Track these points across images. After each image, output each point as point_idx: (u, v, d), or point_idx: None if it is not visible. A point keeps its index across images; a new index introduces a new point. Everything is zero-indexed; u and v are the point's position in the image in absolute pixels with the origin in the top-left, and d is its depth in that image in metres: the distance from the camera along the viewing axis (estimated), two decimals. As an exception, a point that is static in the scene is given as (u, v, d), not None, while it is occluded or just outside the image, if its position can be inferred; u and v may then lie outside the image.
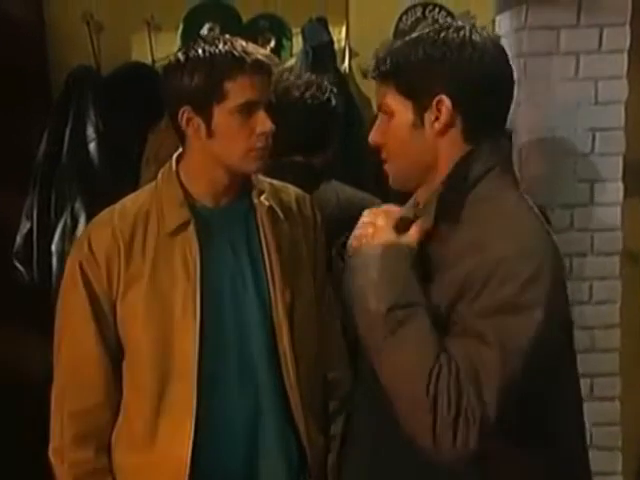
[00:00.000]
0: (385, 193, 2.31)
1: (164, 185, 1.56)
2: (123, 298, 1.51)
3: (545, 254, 1.16)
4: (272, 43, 2.64)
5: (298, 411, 1.54)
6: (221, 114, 1.45)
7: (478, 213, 1.20)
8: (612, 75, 2.37)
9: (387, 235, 1.23)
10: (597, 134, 2.43)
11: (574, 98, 2.38)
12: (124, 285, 1.51)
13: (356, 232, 1.29)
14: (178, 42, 2.63)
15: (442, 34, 1.22)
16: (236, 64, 1.43)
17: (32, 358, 2.41)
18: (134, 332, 1.51)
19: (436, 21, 2.80)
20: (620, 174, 2.44)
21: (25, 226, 2.52)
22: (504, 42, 2.44)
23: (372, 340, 1.17)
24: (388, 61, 1.24)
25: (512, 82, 1.27)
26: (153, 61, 2.66)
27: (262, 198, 1.58)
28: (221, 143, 1.48)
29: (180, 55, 1.48)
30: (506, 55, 1.27)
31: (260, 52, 1.47)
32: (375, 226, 1.25)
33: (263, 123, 1.46)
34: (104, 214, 1.59)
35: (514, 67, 1.30)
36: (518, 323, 1.12)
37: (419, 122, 1.23)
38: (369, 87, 2.77)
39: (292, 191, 1.69)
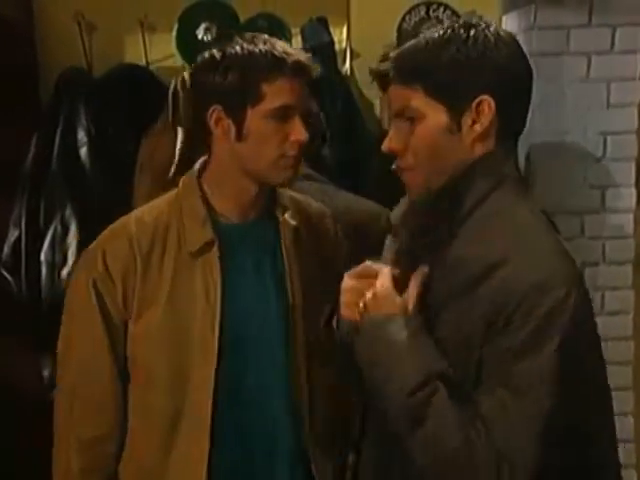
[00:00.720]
0: (387, 199, 2.30)
1: (185, 197, 1.50)
2: (138, 318, 1.45)
3: (567, 277, 1.12)
4: (270, 44, 2.63)
5: (310, 440, 1.51)
6: (254, 117, 1.41)
7: (491, 232, 1.16)
8: (625, 76, 2.36)
9: (392, 302, 1.18)
10: (609, 138, 2.42)
11: (585, 100, 2.37)
12: (139, 303, 1.45)
13: (345, 299, 1.25)
14: (173, 43, 2.62)
15: (471, 32, 1.17)
16: (275, 65, 1.39)
17: (18, 373, 2.40)
18: (148, 355, 1.46)
19: (441, 21, 2.80)
20: (633, 180, 2.42)
21: (13, 234, 2.50)
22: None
23: (397, 425, 1.14)
24: (414, 62, 1.18)
25: (532, 83, 1.25)
26: (147, 62, 2.65)
27: (287, 216, 1.54)
28: (251, 147, 1.43)
29: (215, 51, 1.44)
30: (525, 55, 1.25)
31: (302, 55, 1.43)
32: (376, 294, 1.19)
33: (298, 131, 1.42)
34: (119, 223, 1.52)
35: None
36: (549, 358, 1.08)
37: (455, 126, 1.18)
38: (371, 89, 2.76)
39: (313, 205, 1.66)
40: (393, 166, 1.25)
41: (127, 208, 2.48)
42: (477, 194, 1.18)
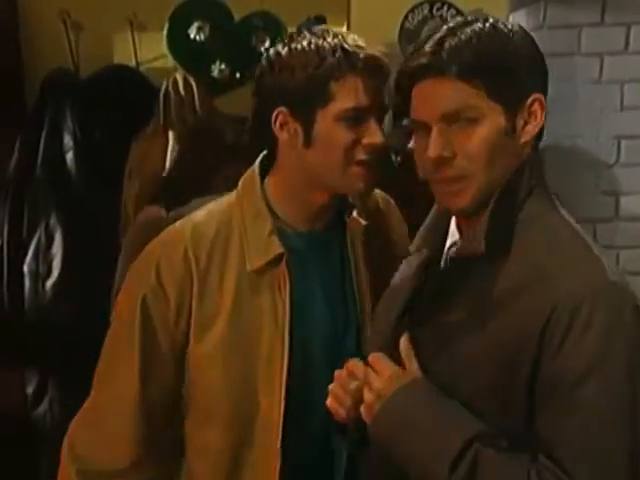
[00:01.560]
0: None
1: (247, 202, 1.40)
2: (196, 342, 1.36)
3: (619, 285, 1.08)
4: (266, 43, 2.62)
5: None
6: (324, 120, 1.32)
7: (527, 241, 1.12)
8: (639, 78, 2.34)
9: (393, 385, 1.13)
10: (622, 142, 2.40)
11: (597, 103, 2.35)
12: (197, 326, 1.36)
13: (334, 390, 1.22)
14: (164, 42, 2.60)
15: (503, 26, 1.13)
16: (346, 61, 1.30)
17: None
18: (207, 384, 1.37)
19: (445, 20, 2.79)
20: (648, 186, 2.43)
21: (-6, 243, 2.49)
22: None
23: None
24: (476, 55, 1.11)
25: None
26: (137, 63, 2.64)
27: (354, 215, 1.45)
28: (319, 154, 1.34)
29: (280, 47, 1.36)
30: None
31: (377, 49, 1.35)
32: (372, 390, 1.15)
33: (373, 133, 1.32)
34: (172, 232, 1.42)
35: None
36: (621, 373, 1.04)
37: (510, 128, 1.14)
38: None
39: (380, 196, 1.57)
40: (426, 174, 1.17)
41: (115, 216, 2.52)
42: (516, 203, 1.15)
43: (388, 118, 2.82)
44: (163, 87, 2.44)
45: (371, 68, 1.31)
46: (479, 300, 1.11)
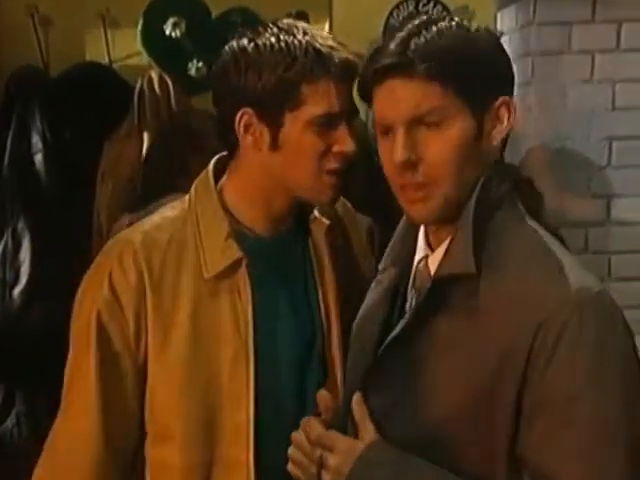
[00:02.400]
0: (373, 211, 2.27)
1: (201, 206, 1.37)
2: (154, 359, 1.33)
3: (602, 291, 1.07)
4: (245, 41, 2.62)
5: None
6: (294, 124, 1.29)
7: (501, 255, 1.08)
8: (632, 77, 2.36)
9: (349, 459, 1.10)
10: (614, 143, 2.42)
11: (588, 103, 2.37)
12: (154, 341, 1.32)
13: (293, 455, 1.18)
14: (138, 39, 2.59)
15: (465, 22, 1.12)
16: (320, 64, 1.27)
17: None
18: (166, 403, 1.33)
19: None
20: (640, 189, 2.44)
21: (-42, 250, 2.47)
22: (507, 40, 2.44)
23: None
24: (439, 55, 1.07)
25: None
26: (110, 60, 2.62)
27: (317, 215, 1.43)
28: (287, 159, 1.31)
29: (246, 42, 1.31)
30: None
31: (348, 50, 1.31)
32: (329, 468, 1.12)
33: (344, 140, 1.30)
34: (123, 240, 1.38)
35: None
36: (605, 396, 1.02)
37: (478, 132, 1.10)
38: (355, 91, 2.75)
39: (340, 203, 1.53)
40: (395, 182, 1.14)
41: (87, 221, 2.50)
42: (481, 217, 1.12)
43: (372, 118, 2.84)
44: (137, 86, 2.43)
45: (344, 72, 1.29)
46: (457, 320, 1.08)
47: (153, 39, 2.56)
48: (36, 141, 2.48)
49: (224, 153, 1.42)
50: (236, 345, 1.33)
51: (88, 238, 2.39)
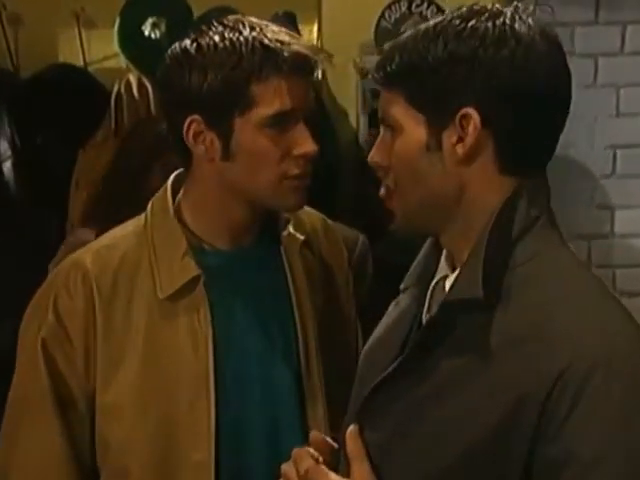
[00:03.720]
0: (364, 223, 2.27)
1: (158, 223, 1.34)
2: (102, 389, 1.29)
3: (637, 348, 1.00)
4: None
5: None
6: (245, 128, 1.25)
7: (526, 284, 1.03)
8: (637, 81, 2.38)
9: None
10: (619, 152, 2.43)
11: (592, 109, 2.38)
12: (103, 370, 1.29)
13: None
14: (115, 40, 2.58)
15: (471, 22, 1.04)
16: (269, 61, 1.23)
17: None
18: (117, 438, 1.30)
19: (425, 18, 2.81)
20: (646, 199, 2.46)
21: None
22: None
23: None
24: (396, 60, 1.08)
25: (568, 93, 1.10)
26: (85, 63, 2.62)
27: (291, 230, 1.40)
28: (243, 168, 1.27)
29: (188, 43, 1.27)
30: (562, 54, 1.11)
31: (301, 42, 1.27)
32: None
33: (303, 141, 1.26)
34: (72, 260, 1.35)
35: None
36: (630, 468, 0.95)
37: (434, 143, 1.07)
38: (345, 95, 2.76)
39: (316, 217, 1.50)
40: (382, 191, 1.13)
41: (60, 233, 2.49)
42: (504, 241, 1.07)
43: (363, 123, 2.85)
44: (114, 89, 2.43)
45: (297, 67, 1.25)
46: (465, 356, 1.04)
47: (131, 40, 2.55)
48: (4, 148, 2.48)
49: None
50: (195, 371, 1.29)
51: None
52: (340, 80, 2.74)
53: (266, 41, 1.24)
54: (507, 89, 1.04)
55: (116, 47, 2.59)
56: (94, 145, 2.44)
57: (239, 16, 1.31)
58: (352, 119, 2.77)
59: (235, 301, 1.35)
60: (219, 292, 1.32)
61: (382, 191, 1.13)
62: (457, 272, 1.09)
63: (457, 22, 1.05)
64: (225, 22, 1.28)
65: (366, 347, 1.26)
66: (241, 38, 1.24)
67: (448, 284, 1.12)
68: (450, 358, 1.05)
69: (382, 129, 1.13)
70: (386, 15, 2.76)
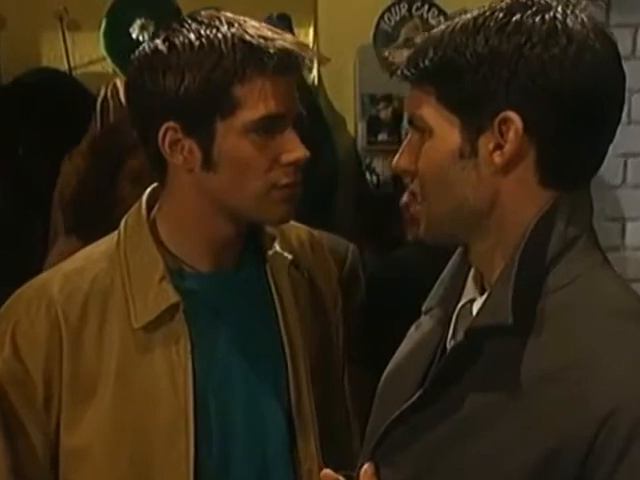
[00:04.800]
0: (362, 234, 2.25)
1: (132, 243, 1.28)
2: (70, 428, 1.23)
3: None
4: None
5: None
6: (228, 134, 1.19)
7: (565, 309, 0.98)
8: (649, 87, 2.38)
9: None
10: (629, 161, 2.43)
11: (601, 116, 2.39)
12: (69, 409, 1.23)
13: None
14: (101, 43, 2.58)
15: (516, 16, 0.99)
16: (252, 59, 1.17)
17: None
18: None
19: (425, 21, 2.82)
20: (659, 211, 2.46)
21: None
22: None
23: None
24: (430, 54, 1.02)
25: (622, 98, 1.05)
26: (70, 67, 2.63)
27: (278, 248, 1.34)
28: (226, 179, 1.21)
29: (160, 42, 1.20)
30: (618, 56, 1.05)
31: (286, 38, 1.20)
32: None
33: (292, 147, 1.20)
34: (36, 285, 1.29)
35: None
36: None
37: (469, 149, 1.01)
38: (342, 101, 2.76)
39: (303, 232, 1.44)
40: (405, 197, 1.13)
41: (42, 249, 2.47)
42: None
43: (361, 130, 2.85)
44: (101, 95, 2.43)
45: (283, 64, 1.18)
46: (496, 386, 0.99)
47: (118, 43, 2.56)
48: (-16, 155, 2.48)
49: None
50: (173, 409, 1.23)
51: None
52: (337, 85, 2.74)
53: (248, 37, 1.17)
54: (555, 92, 0.98)
55: (102, 50, 2.60)
56: (79, 154, 2.43)
57: (213, 11, 1.23)
58: (350, 126, 2.77)
59: (218, 330, 1.29)
60: (200, 320, 1.26)
61: (405, 197, 1.10)
62: (486, 295, 1.04)
63: (500, 15, 1.00)
64: (199, 18, 1.20)
65: (385, 374, 1.20)
66: (219, 35, 1.17)
67: (476, 308, 1.07)
68: (477, 391, 1.00)
69: (410, 131, 1.08)
70: (385, 17, 2.77)
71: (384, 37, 2.76)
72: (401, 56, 1.06)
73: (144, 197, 1.32)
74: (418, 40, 1.04)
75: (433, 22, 2.79)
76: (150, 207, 1.31)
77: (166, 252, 1.28)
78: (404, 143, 1.08)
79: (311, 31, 2.76)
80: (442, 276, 1.17)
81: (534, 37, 0.97)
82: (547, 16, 0.98)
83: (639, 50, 2.37)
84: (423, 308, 1.18)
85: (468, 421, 1.00)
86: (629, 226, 2.46)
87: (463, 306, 1.10)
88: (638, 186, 2.44)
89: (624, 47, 2.35)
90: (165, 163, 1.24)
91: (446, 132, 1.02)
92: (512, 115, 0.98)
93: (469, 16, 1.01)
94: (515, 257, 1.00)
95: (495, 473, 0.97)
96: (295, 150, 1.21)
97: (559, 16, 0.98)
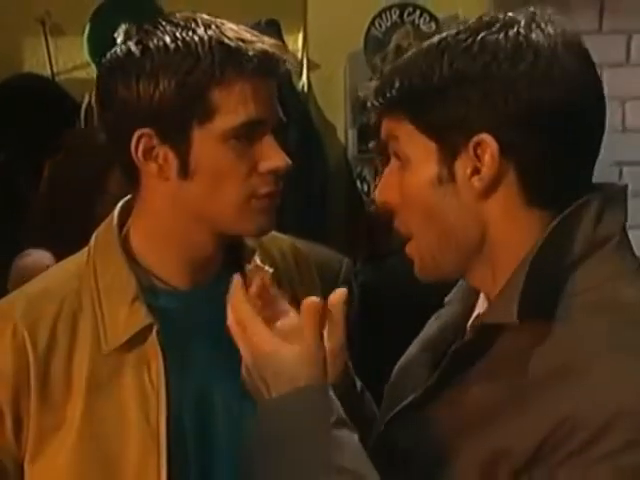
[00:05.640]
0: (355, 246, 2.26)
1: (102, 260, 1.25)
2: (35, 457, 1.20)
3: None
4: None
5: None
6: (206, 141, 1.17)
7: (581, 313, 0.97)
8: (644, 94, 2.40)
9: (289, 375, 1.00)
10: (625, 169, 2.44)
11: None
12: (37, 434, 1.19)
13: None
14: (85, 48, 2.58)
15: (480, 35, 0.99)
16: (230, 62, 1.15)
17: None
18: None
19: (417, 27, 2.84)
20: (655, 220, 2.46)
21: None
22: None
23: None
24: (397, 85, 1.02)
25: (601, 108, 1.03)
26: (52, 72, 2.62)
27: (258, 261, 1.27)
28: (204, 187, 1.19)
29: (132, 45, 1.18)
30: (591, 64, 1.04)
31: (265, 40, 1.18)
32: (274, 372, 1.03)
33: (272, 155, 1.19)
34: (2, 307, 1.26)
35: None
36: None
37: (446, 174, 1.01)
38: (333, 109, 2.77)
39: (286, 244, 1.41)
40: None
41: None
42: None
43: (352, 138, 2.86)
44: (85, 101, 2.43)
45: (263, 68, 1.16)
46: (501, 384, 1.00)
47: (102, 48, 2.53)
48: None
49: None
50: (144, 440, 1.20)
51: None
52: (327, 92, 2.75)
53: (226, 40, 1.15)
54: (527, 110, 0.98)
55: (86, 56, 2.60)
56: (60, 161, 2.43)
57: (189, 13, 1.20)
58: (340, 133, 2.77)
59: (195, 352, 1.25)
60: (176, 342, 1.22)
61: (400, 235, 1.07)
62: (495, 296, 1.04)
63: (464, 36, 0.99)
64: (174, 20, 1.18)
65: (399, 364, 1.20)
66: (196, 37, 1.15)
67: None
68: (480, 388, 1.01)
69: (391, 159, 1.06)
70: (376, 23, 2.78)
71: (375, 43, 2.78)
72: (369, 88, 1.07)
73: (116, 210, 1.28)
74: (385, 71, 1.05)
75: (424, 28, 2.81)
76: (123, 221, 1.27)
77: (139, 269, 1.24)
78: (385, 173, 1.06)
79: (300, 37, 2.77)
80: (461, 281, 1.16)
81: (500, 55, 0.97)
82: (511, 32, 0.98)
83: (633, 57, 2.38)
84: (445, 299, 1.19)
85: (471, 418, 1.00)
86: (625, 235, 2.46)
87: (476, 318, 1.08)
88: (634, 196, 2.44)
89: (618, 54, 2.38)
90: (138, 172, 1.21)
91: (422, 159, 1.02)
92: (486, 138, 0.98)
93: (434, 40, 1.01)
94: (525, 262, 0.98)
95: (498, 469, 0.97)
96: (274, 158, 1.18)
97: (523, 31, 0.98)
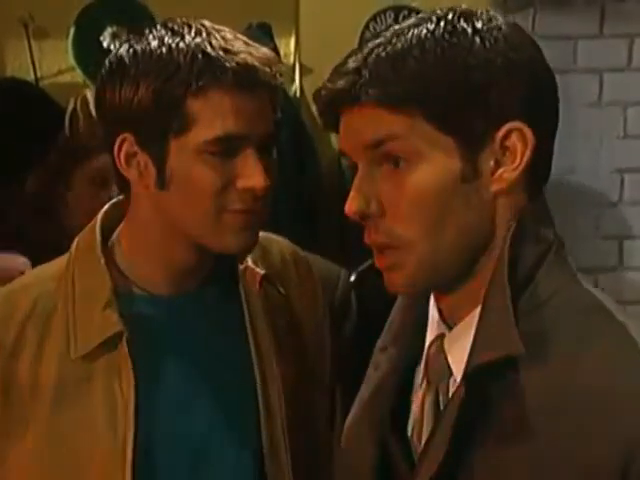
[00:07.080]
0: (348, 254, 2.27)
1: (81, 265, 1.25)
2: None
3: None
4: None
5: None
6: (181, 153, 1.16)
7: (554, 334, 0.94)
8: (645, 100, 2.41)
9: None
10: (626, 177, 2.46)
11: (597, 129, 2.41)
12: (0, 439, 1.20)
13: None
14: (70, 52, 2.59)
15: (472, 23, 0.94)
16: (208, 71, 1.13)
17: None
18: None
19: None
20: (657, 229, 2.48)
21: None
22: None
23: None
24: (408, 71, 0.94)
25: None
26: (36, 77, 2.62)
27: (250, 263, 1.27)
28: (178, 199, 1.18)
29: (124, 49, 1.19)
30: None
31: (253, 52, 1.16)
32: None
33: (251, 173, 1.15)
34: None
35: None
36: None
37: (470, 171, 0.94)
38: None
39: (286, 247, 1.40)
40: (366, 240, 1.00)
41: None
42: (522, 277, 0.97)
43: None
44: (70, 107, 2.42)
45: (242, 80, 1.14)
46: (504, 436, 0.93)
47: (88, 52, 2.56)
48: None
49: (120, 197, 1.30)
50: (110, 449, 1.18)
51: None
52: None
53: (209, 49, 1.13)
54: (538, 96, 0.97)
55: (71, 60, 2.62)
56: (45, 170, 2.43)
57: (189, 19, 1.20)
58: (333, 139, 2.77)
59: (171, 362, 1.23)
60: (150, 350, 1.21)
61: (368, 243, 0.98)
62: (470, 325, 0.97)
63: (460, 23, 0.96)
64: (169, 25, 1.18)
65: (347, 422, 1.14)
66: (181, 44, 1.14)
67: (448, 343, 1.00)
68: (490, 442, 0.94)
69: (363, 167, 0.98)
70: (371, 27, 2.78)
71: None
72: (336, 82, 0.96)
73: (99, 215, 1.29)
74: (374, 57, 0.95)
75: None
76: (107, 226, 1.28)
77: (119, 274, 1.24)
78: (356, 182, 0.98)
79: (293, 41, 2.77)
80: (390, 317, 1.13)
81: (511, 42, 0.95)
82: (483, 19, 0.96)
83: (634, 61, 2.40)
84: (378, 343, 1.13)
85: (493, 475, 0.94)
86: (627, 245, 2.47)
87: (431, 343, 1.03)
88: (635, 203, 2.46)
89: (619, 59, 2.39)
90: (123, 176, 1.22)
91: (441, 156, 0.94)
92: (518, 125, 0.93)
93: (423, 29, 0.96)
94: (499, 281, 0.94)
95: None
96: (253, 176, 1.15)
97: (491, 21, 0.97)
